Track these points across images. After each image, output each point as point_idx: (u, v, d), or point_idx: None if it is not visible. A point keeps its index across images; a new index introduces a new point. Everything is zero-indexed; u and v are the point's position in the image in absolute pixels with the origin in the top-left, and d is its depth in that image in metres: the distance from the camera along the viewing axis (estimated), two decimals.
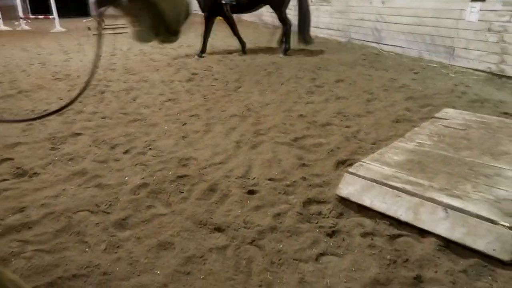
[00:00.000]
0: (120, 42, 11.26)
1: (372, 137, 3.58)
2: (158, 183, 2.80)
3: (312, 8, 11.95)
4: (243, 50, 8.49)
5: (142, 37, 1.39)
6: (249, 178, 2.88)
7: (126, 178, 2.90)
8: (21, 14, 17.33)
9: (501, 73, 5.78)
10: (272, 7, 8.38)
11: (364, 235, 2.18)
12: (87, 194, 2.67)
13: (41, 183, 2.85)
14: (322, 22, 11.34)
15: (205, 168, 3.05)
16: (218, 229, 2.26)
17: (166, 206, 2.52)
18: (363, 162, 2.68)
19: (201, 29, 8.48)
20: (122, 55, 8.85)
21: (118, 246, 2.11)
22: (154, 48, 9.76)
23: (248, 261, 1.99)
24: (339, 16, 10.43)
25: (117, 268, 1.94)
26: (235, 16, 8.56)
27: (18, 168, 3.08)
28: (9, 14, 17.57)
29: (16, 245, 2.14)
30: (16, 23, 17.54)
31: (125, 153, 3.38)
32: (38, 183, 2.85)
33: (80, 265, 1.96)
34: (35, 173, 3.01)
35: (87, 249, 2.10)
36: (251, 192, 2.68)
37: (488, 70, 5.97)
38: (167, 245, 2.12)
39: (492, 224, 1.97)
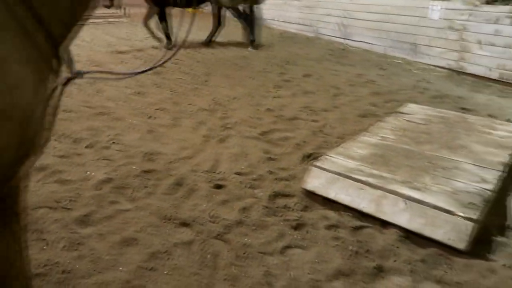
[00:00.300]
0: (82, 33, 10.87)
1: (338, 131, 3.64)
2: (123, 178, 2.74)
3: (280, 2, 12.00)
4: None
5: None
6: (216, 172, 2.86)
7: (89, 173, 2.82)
8: None
9: (460, 70, 6.02)
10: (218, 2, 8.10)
11: (329, 227, 2.23)
12: (46, 190, 2.57)
13: None
14: (291, 16, 11.40)
15: (172, 162, 3.01)
16: (184, 224, 2.24)
17: (131, 202, 2.47)
18: (328, 155, 2.73)
19: (174, 21, 8.32)
20: (86, 46, 8.56)
21: (79, 243, 2.05)
22: (119, 40, 9.50)
23: (214, 256, 1.99)
24: (307, 11, 10.51)
25: (78, 266, 1.88)
26: None
27: None
28: None
29: None
30: None
31: (88, 147, 3.27)
32: None
33: (38, 264, 1.89)
34: None
35: (45, 247, 2.02)
36: (218, 187, 2.67)
37: (448, 67, 6.20)
38: (131, 241, 2.08)
39: (449, 215, 2.06)
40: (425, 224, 2.09)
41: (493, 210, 2.33)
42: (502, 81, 5.36)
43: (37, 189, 2.58)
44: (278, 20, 12.16)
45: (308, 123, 3.85)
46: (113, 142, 3.36)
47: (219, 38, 9.17)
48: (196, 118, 4.02)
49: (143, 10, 10.28)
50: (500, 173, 2.49)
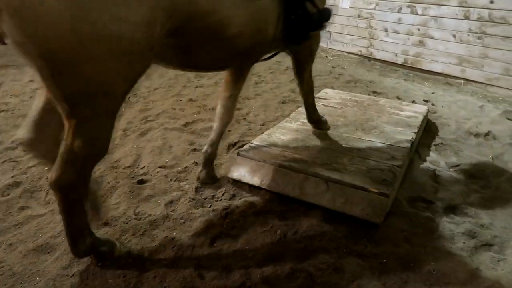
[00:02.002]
0: None
1: (261, 118, 3.70)
2: (33, 181, 2.51)
3: None
4: None
5: None
6: (138, 168, 2.75)
7: None
8: None
9: (370, 56, 6.44)
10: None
11: (256, 213, 2.26)
12: None
13: None
14: None
15: None
16: (106, 224, 2.12)
17: (44, 206, 2.28)
18: (252, 143, 2.76)
19: None
20: None
21: None
22: None
23: (140, 254, 1.91)
24: None
25: None
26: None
27: None
28: None
29: None
30: None
31: None
32: None
33: None
34: None
35: None
36: (141, 182, 2.57)
37: (360, 53, 6.60)
38: (47, 248, 1.92)
39: (365, 192, 2.21)
40: (344, 202, 2.22)
41: (402, 184, 2.56)
42: (407, 66, 5.85)
43: None
44: None
45: None
46: (20, 143, 3.04)
47: None
48: None
49: None
50: (407, 150, 2.72)
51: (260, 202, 2.37)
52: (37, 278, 1.74)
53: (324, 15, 2.17)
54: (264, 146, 2.70)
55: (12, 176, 2.54)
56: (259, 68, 5.64)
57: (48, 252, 1.90)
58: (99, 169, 2.67)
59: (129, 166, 2.75)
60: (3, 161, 2.76)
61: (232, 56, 1.96)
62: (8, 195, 2.35)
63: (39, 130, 1.71)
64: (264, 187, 2.45)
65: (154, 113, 3.76)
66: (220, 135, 2.58)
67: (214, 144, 2.56)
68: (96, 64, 1.30)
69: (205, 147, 2.58)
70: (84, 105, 1.40)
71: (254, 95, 4.41)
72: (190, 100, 4.18)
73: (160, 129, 3.40)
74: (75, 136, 1.45)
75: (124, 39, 1.30)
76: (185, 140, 3.19)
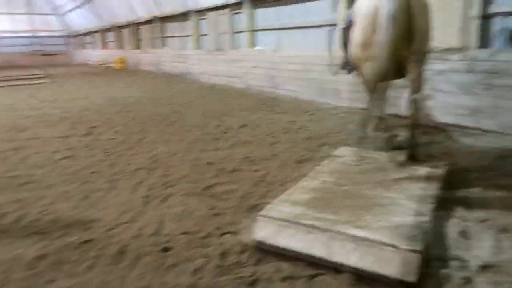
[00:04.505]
0: (3, 96, 10.28)
1: (279, 179, 3.72)
2: (59, 252, 2.52)
3: (208, 57, 12.42)
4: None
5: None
6: (161, 235, 2.75)
7: (19, 251, 2.55)
8: None
9: None
10: None
11: (284, 279, 2.21)
12: None
13: None
14: (220, 70, 11.79)
15: (112, 229, 2.84)
16: None
17: (70, 278, 2.27)
18: (273, 204, 2.76)
19: (95, 79, 8.19)
20: (5, 111, 8.05)
21: None
22: (44, 102, 9.09)
23: None
24: (235, 64, 10.96)
25: None
26: None
27: None
28: None
29: None
30: None
31: (15, 222, 2.99)
32: None
33: None
34: None
35: None
36: (165, 250, 2.55)
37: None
38: None
39: (395, 249, 2.16)
40: (375, 261, 2.17)
41: (431, 241, 2.49)
42: None
43: None
44: (208, 74, 12.50)
45: (249, 174, 3.90)
46: (46, 214, 3.11)
47: (148, 93, 9.15)
48: (134, 178, 3.88)
49: (58, 69, 9.87)
50: (432, 205, 2.69)
51: (286, 267, 2.32)
52: None
53: None
54: (285, 207, 2.70)
55: (38, 249, 2.56)
56: (273, 128, 5.77)
57: None
58: (124, 238, 2.68)
59: (152, 234, 2.76)
60: (28, 234, 2.79)
61: None
62: (35, 268, 2.35)
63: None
64: (289, 248, 2.42)
65: (174, 178, 3.83)
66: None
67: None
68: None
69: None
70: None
71: (271, 155, 4.47)
72: (208, 163, 4.26)
73: (180, 194, 3.43)
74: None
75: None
76: (205, 205, 3.21)
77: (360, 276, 2.16)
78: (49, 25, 29.30)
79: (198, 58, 13.23)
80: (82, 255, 2.51)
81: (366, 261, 2.19)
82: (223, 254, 2.47)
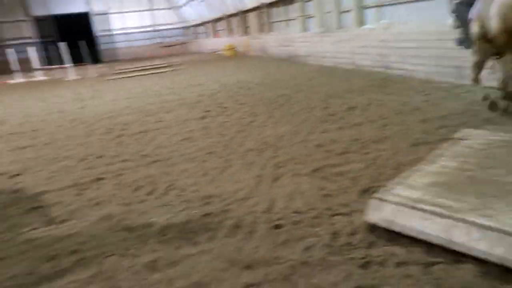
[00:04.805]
0: (133, 85, 11.61)
1: (392, 162, 3.56)
2: (184, 223, 2.81)
3: (315, 39, 12.27)
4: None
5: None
6: (273, 212, 2.87)
7: (152, 219, 2.92)
8: (37, 65, 18.07)
9: None
10: None
11: (398, 264, 2.13)
12: (115, 238, 2.68)
13: (70, 229, 2.88)
14: (327, 51, 11.57)
15: (229, 204, 3.06)
16: (249, 267, 2.23)
17: (194, 246, 2.51)
18: (388, 187, 2.66)
19: (208, 67, 8.71)
20: (136, 98, 9.10)
21: None
22: (166, 89, 10.02)
23: None
24: (343, 44, 10.64)
25: None
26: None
27: (46, 216, 3.14)
28: (26, 66, 18.33)
29: None
30: (33, 74, 18.24)
31: (148, 194, 3.41)
32: (67, 229, 2.88)
33: None
34: (63, 220, 3.05)
35: None
36: (277, 227, 2.66)
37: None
38: (201, 286, 2.10)
39: None
40: (505, 252, 1.96)
41: None
42: None
43: (106, 237, 2.70)
44: (315, 56, 12.39)
45: (360, 156, 3.80)
46: (171, 188, 3.48)
47: (257, 78, 9.43)
48: (246, 159, 4.09)
49: (176, 59, 10.74)
50: None
51: (401, 252, 2.23)
52: None
53: None
54: (401, 190, 2.58)
55: (167, 219, 2.89)
56: (383, 110, 5.50)
57: None
58: (239, 213, 2.87)
59: (264, 211, 2.89)
60: (159, 205, 3.16)
61: None
62: (165, 235, 2.67)
63: None
64: (405, 233, 2.32)
65: (284, 160, 3.93)
66: None
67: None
68: None
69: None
70: None
71: (382, 138, 4.29)
72: (317, 145, 4.26)
73: (290, 175, 3.52)
74: None
75: None
76: (315, 185, 3.24)
77: (485, 265, 1.98)
78: (168, 19, 32.08)
79: (305, 41, 13.18)
80: (203, 226, 2.75)
81: (495, 253, 1.99)
82: (334, 235, 2.48)
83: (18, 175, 4.31)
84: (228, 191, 3.31)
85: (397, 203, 2.43)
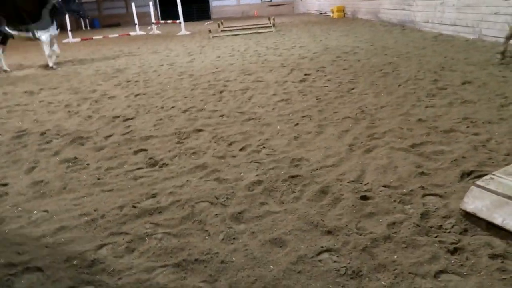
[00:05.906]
0: (238, 43, 11.91)
1: (506, 147, 3.18)
2: (271, 181, 2.90)
3: (435, 2, 11.08)
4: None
5: None
6: (362, 183, 2.80)
7: (242, 174, 3.07)
8: (153, 19, 19.50)
9: None
10: None
11: (493, 256, 1.96)
12: (207, 186, 2.90)
13: (169, 173, 3.19)
14: (447, 18, 10.42)
15: (317, 169, 3.07)
16: (330, 232, 2.25)
17: (279, 204, 2.61)
18: (494, 175, 2.41)
19: (314, 28, 8.50)
20: (239, 56, 9.35)
21: (234, 238, 2.26)
22: (268, 49, 10.09)
23: (359, 268, 1.95)
24: (468, 10, 9.46)
25: (234, 259, 2.07)
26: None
27: (150, 158, 3.50)
28: (144, 20, 19.91)
29: (149, 226, 2.43)
30: (149, 28, 19.79)
31: (241, 150, 3.57)
32: (167, 173, 3.19)
33: (201, 251, 2.14)
34: (164, 164, 3.37)
35: (207, 237, 2.29)
36: (364, 198, 2.61)
37: None
38: (280, 242, 2.19)
39: None
40: None
41: None
42: None
43: (200, 185, 2.93)
44: (432, 22, 11.27)
45: (468, 137, 3.46)
46: (263, 147, 3.59)
47: (364, 44, 8.95)
48: (341, 126, 4.00)
49: (282, 19, 10.57)
50: None
51: (499, 244, 2.04)
52: (271, 266, 2.01)
53: None
54: (510, 180, 2.31)
55: (256, 175, 3.01)
56: (506, 88, 4.87)
57: (280, 246, 2.17)
58: (326, 179, 2.87)
59: (353, 181, 2.84)
60: (250, 161, 3.30)
61: None
62: (252, 190, 2.80)
63: None
64: (506, 228, 2.11)
65: (381, 131, 3.76)
66: None
67: None
68: None
69: None
70: None
71: (499, 119, 3.83)
72: (420, 120, 3.98)
73: (386, 147, 3.37)
74: None
75: None
76: (411, 161, 3.06)
77: None
78: None
79: (423, 4, 11.99)
80: (290, 187, 2.82)
81: None
82: (424, 215, 2.35)
83: (131, 119, 4.83)
84: (318, 156, 3.31)
85: (502, 194, 2.19)
